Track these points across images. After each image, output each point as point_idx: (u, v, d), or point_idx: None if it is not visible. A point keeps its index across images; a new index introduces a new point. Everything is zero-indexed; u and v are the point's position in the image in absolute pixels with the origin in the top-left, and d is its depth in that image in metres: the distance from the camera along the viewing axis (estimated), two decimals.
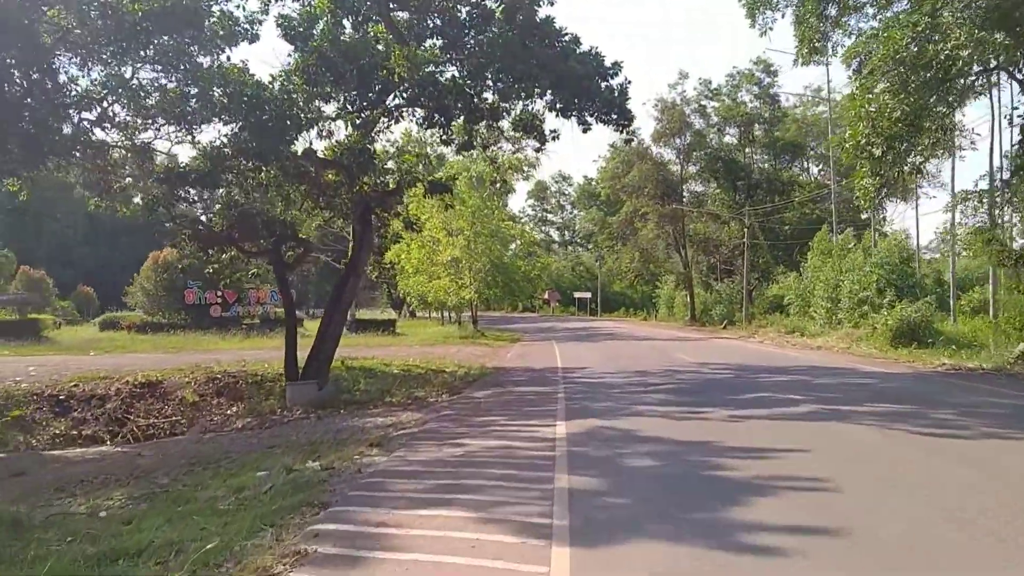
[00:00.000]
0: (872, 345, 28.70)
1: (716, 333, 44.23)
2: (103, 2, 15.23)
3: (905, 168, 21.15)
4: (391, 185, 20.84)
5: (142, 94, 16.91)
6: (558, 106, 19.42)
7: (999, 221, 22.56)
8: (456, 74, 19.09)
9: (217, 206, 21.88)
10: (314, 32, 17.69)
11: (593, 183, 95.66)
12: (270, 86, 17.47)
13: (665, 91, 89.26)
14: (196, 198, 22.47)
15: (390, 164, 20.01)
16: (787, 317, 43.24)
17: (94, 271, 67.40)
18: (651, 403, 13.61)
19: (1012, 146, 21.57)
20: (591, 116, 20.11)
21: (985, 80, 20.90)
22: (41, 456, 14.40)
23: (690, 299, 58.71)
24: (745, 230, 52.05)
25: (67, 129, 16.57)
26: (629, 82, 19.97)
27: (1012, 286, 20.83)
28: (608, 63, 19.69)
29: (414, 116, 20.16)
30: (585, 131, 19.81)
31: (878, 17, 22.34)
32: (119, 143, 18.52)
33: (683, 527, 6.06)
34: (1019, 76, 18.19)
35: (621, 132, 20.91)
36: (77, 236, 71.44)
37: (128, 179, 19.97)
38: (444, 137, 19.46)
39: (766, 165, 65.04)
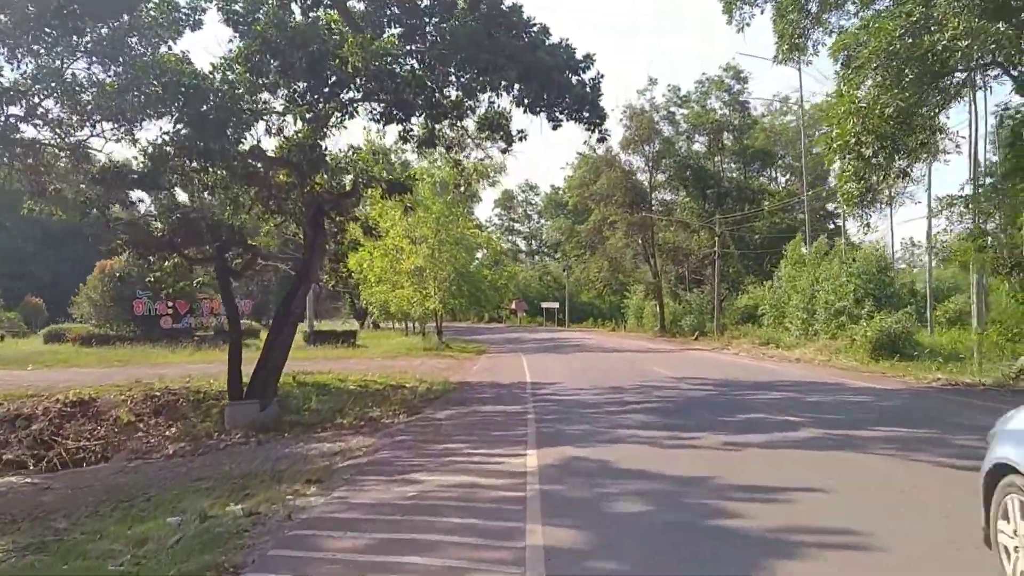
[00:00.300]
0: (852, 357, 27.62)
1: (688, 344, 43.04)
2: None
3: (892, 171, 20.04)
4: (347, 186, 19.26)
5: (76, 88, 15.36)
6: (526, 101, 18.02)
7: (985, 227, 21.49)
8: (416, 66, 17.60)
9: (153, 208, 20.19)
10: (259, 16, 16.12)
11: (560, 192, 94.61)
12: (210, 76, 15.91)
13: (634, 89, 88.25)
14: (135, 200, 20.82)
15: (345, 163, 18.35)
16: (760, 328, 42.20)
17: (48, 282, 64.53)
18: (632, 426, 12.15)
19: (1002, 148, 20.52)
20: (561, 113, 18.75)
21: (972, 79, 19.82)
22: None
23: (660, 309, 57.56)
24: (716, 239, 51.00)
25: None
26: (602, 76, 18.66)
27: (1011, 295, 19.74)
28: (579, 56, 18.38)
29: (372, 111, 18.64)
30: (555, 127, 18.44)
31: (859, 15, 21.29)
32: (51, 141, 16.89)
33: None
34: (1014, 72, 17.07)
35: (593, 131, 19.59)
36: (28, 246, 68.45)
37: (63, 182, 18.31)
38: (403, 132, 17.94)
39: (735, 174, 64.33)
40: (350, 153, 18.08)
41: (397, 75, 16.83)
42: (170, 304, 43.91)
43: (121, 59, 15.39)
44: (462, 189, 22.33)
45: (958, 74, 18.76)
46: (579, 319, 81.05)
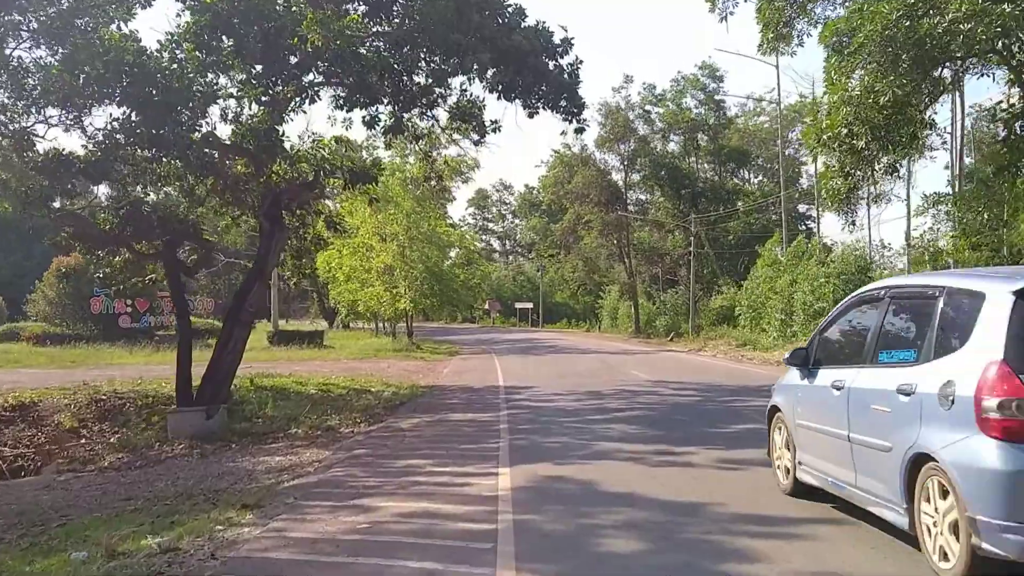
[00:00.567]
0: None
1: (664, 345, 42.10)
2: None
3: (880, 166, 19.16)
4: (309, 176, 17.97)
5: (22, 72, 14.13)
6: (500, 87, 16.88)
7: (976, 225, 20.70)
8: (381, 47, 16.38)
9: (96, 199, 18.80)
10: None
11: (535, 192, 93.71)
12: (157, 55, 14.64)
13: (609, 81, 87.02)
14: (80, 191, 19.46)
15: (304, 150, 17.05)
16: (736, 329, 41.39)
17: (10, 279, 62.12)
18: (614, 437, 11.01)
19: (995, 143, 19.68)
20: (537, 100, 17.65)
21: (963, 70, 18.96)
22: None
23: (634, 310, 56.65)
24: (691, 238, 50.16)
25: None
26: (580, 62, 17.59)
27: None
28: (557, 40, 17.26)
29: (335, 96, 17.41)
30: (531, 115, 17.36)
31: (846, 4, 20.41)
32: None
33: None
34: (1013, 62, 16.19)
35: (570, 121, 18.49)
36: None
37: (8, 171, 16.95)
38: (369, 118, 16.71)
39: (710, 174, 63.68)
40: (310, 140, 16.78)
41: (361, 57, 15.62)
42: (129, 302, 42.25)
43: (68, 41, 14.16)
44: (433, 183, 21.00)
45: (949, 67, 17.92)
46: (553, 319, 80.00)
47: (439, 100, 18.82)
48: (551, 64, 17.15)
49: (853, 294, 7.30)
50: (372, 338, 48.95)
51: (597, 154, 58.93)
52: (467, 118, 19.00)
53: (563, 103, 17.89)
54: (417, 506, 7.28)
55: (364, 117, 16.62)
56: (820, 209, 50.02)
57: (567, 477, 8.30)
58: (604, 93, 62.83)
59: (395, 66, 16.34)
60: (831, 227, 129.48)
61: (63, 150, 15.32)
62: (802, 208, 61.94)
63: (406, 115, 18.93)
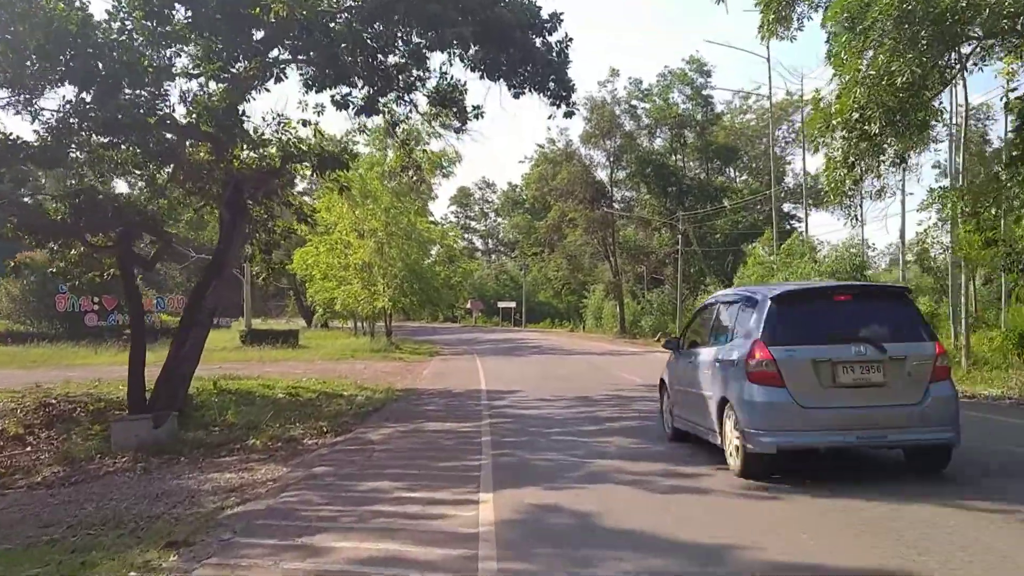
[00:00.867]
0: None
1: (651, 347, 40.80)
2: None
3: (885, 157, 17.97)
4: (275, 162, 16.54)
5: None
6: (484, 65, 15.52)
7: (991, 220, 19.51)
8: (352, 19, 14.97)
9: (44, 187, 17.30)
10: None
11: (518, 190, 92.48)
12: (104, 25, 13.24)
13: (594, 74, 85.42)
14: (29, 178, 18.00)
15: (268, 134, 15.59)
16: None
17: None
18: (612, 454, 9.65)
19: (1007, 133, 18.51)
20: (524, 82, 16.32)
21: (980, 50, 17.73)
22: None
23: (620, 309, 55.41)
24: (679, 236, 48.96)
25: None
26: (570, 40, 16.28)
27: None
28: (545, 15, 15.94)
29: (303, 74, 16.01)
30: (517, 96, 16.03)
31: None
32: None
33: None
34: None
35: (558, 106, 17.14)
36: None
37: None
38: (340, 97, 15.31)
39: (697, 172, 62.57)
40: (274, 121, 15.33)
41: (330, 29, 14.23)
42: (95, 300, 40.54)
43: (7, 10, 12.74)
44: (411, 174, 19.59)
45: (967, 46, 16.71)
46: (536, 319, 78.70)
47: (417, 83, 17.50)
48: (538, 41, 15.84)
49: (703, 302, 11.21)
50: (350, 338, 47.43)
51: (582, 150, 57.86)
52: (448, 103, 17.73)
53: (551, 85, 16.59)
54: (378, 548, 5.90)
55: (333, 96, 15.19)
56: (808, 207, 49.05)
57: (561, 507, 6.92)
58: (589, 87, 61.46)
59: (368, 41, 14.98)
60: (818, 226, 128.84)
61: (11, 134, 13.95)
62: (787, 207, 60.97)
63: (382, 99, 17.64)
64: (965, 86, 24.89)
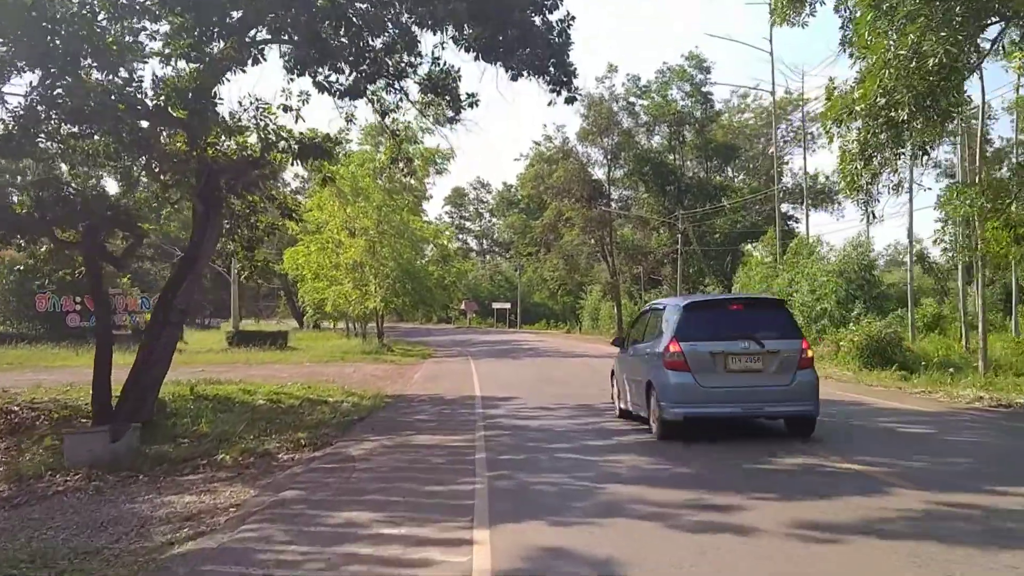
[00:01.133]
0: (844, 366, 24.40)
1: None
2: None
3: (907, 148, 16.84)
4: (255, 151, 15.31)
5: None
6: (480, 43, 14.29)
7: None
8: None
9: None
10: None
11: (513, 190, 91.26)
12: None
13: (592, 70, 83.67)
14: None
15: (245, 120, 14.31)
16: None
17: None
18: (626, 477, 8.38)
19: (1016, 132, 17.34)
20: (522, 64, 15.11)
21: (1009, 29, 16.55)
22: None
23: (617, 310, 54.19)
24: (679, 235, 47.74)
25: None
26: (572, 18, 15.07)
27: None
28: None
29: (284, 57, 14.81)
30: (514, 78, 14.79)
31: None
32: None
33: None
34: None
35: (559, 92, 15.93)
36: None
37: None
38: (323, 79, 14.10)
39: (696, 170, 61.38)
40: (252, 106, 14.09)
41: (312, 3, 13.02)
42: (77, 299, 39.16)
43: None
44: (402, 166, 18.39)
45: (993, 29, 15.57)
46: (531, 320, 77.33)
47: (408, 69, 16.33)
48: (538, 20, 14.63)
49: (642, 309, 15.37)
50: (341, 339, 46.14)
51: (579, 147, 56.58)
52: (440, 90, 16.54)
53: (551, 69, 15.39)
54: None
55: (316, 77, 13.96)
56: (808, 206, 47.99)
57: (572, 552, 5.66)
58: (587, 83, 60.13)
59: (353, 19, 13.77)
60: (817, 226, 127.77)
61: None
62: (784, 207, 59.82)
63: (371, 86, 16.48)
64: (982, 78, 23.78)
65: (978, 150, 22.97)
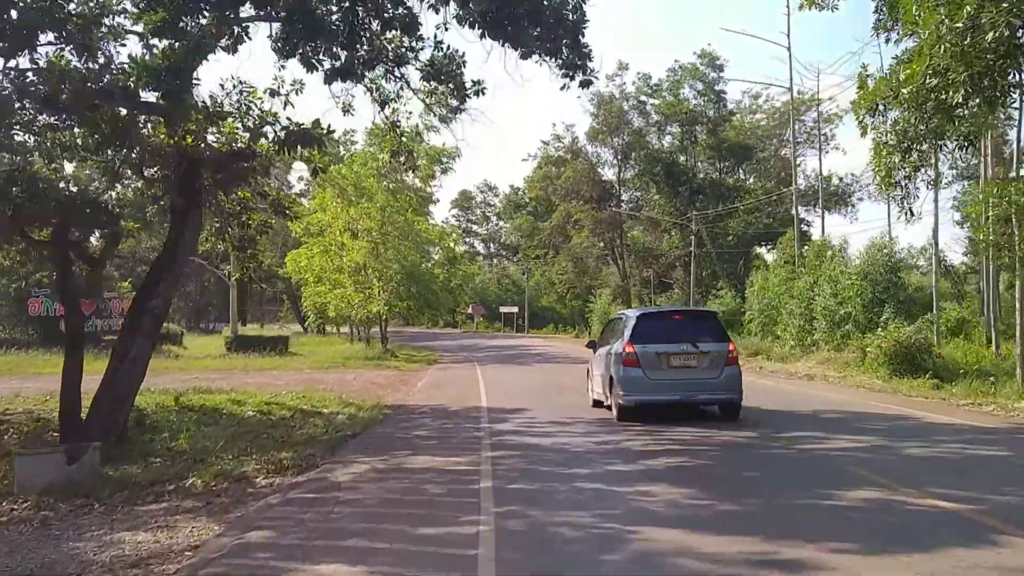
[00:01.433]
0: (873, 374, 22.95)
1: None
2: None
3: (949, 137, 15.51)
4: (241, 141, 13.98)
5: None
6: (486, 18, 12.93)
7: None
8: None
9: None
10: None
11: (520, 193, 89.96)
12: None
13: (602, 68, 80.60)
14: None
15: (228, 106, 12.92)
16: (743, 336, 37.58)
17: None
18: (663, 517, 6.85)
19: None
20: (532, 44, 13.76)
21: None
22: None
23: None
24: (692, 236, 46.23)
25: None
26: None
27: None
28: None
29: (273, 37, 13.48)
30: (524, 57, 13.44)
31: None
32: None
33: None
34: None
35: (572, 77, 14.57)
36: None
37: None
38: (311, 55, 12.73)
39: (709, 171, 59.89)
40: (235, 89, 12.73)
41: None
42: None
43: None
44: (402, 160, 17.05)
45: None
46: (539, 325, 75.78)
47: (408, 53, 15.01)
48: None
49: (611, 317, 21.80)
50: (345, 344, 44.83)
51: (589, 147, 55.19)
52: (444, 77, 15.22)
53: (564, 49, 14.03)
54: None
55: (302, 53, 12.59)
56: (823, 208, 46.55)
57: None
58: (597, 82, 58.76)
59: None
60: (830, 227, 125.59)
61: None
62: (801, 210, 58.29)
63: (369, 74, 15.18)
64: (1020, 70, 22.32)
65: (1018, 142, 21.49)
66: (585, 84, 14.40)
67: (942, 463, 9.60)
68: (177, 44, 11.77)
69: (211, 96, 12.89)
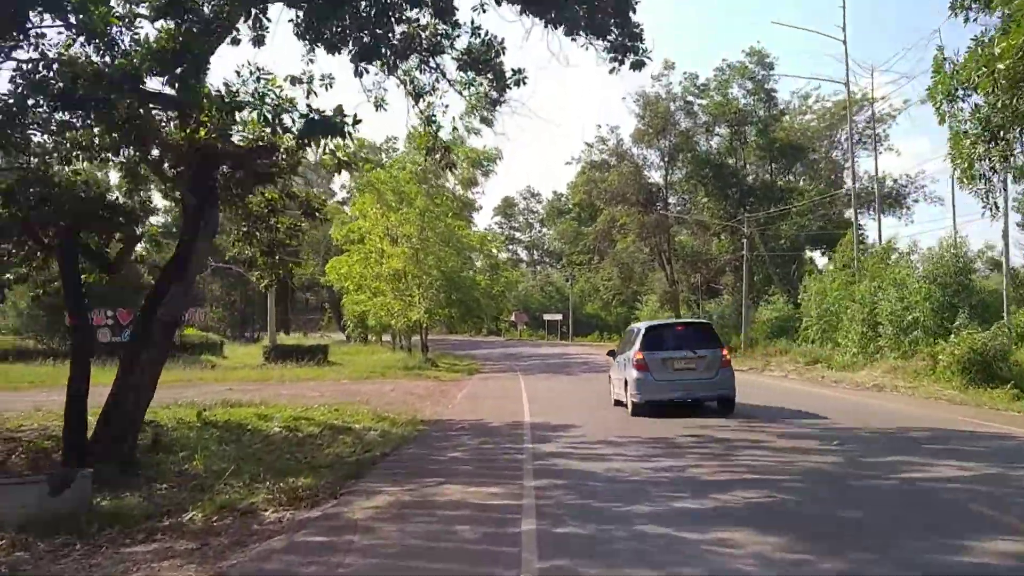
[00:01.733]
0: (947, 383, 21.11)
1: None
2: None
3: None
4: (258, 132, 12.79)
5: None
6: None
7: None
8: None
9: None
10: None
11: (563, 199, 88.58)
12: None
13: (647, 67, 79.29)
14: None
15: (243, 95, 11.74)
16: (799, 343, 35.69)
17: None
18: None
19: None
20: (578, 22, 12.45)
21: None
22: None
23: None
24: (744, 240, 44.30)
25: None
26: None
27: None
28: None
29: (294, 22, 12.36)
30: (571, 37, 12.15)
31: None
32: None
33: None
34: None
35: (621, 61, 13.23)
36: None
37: None
38: (332, 37, 11.54)
39: (757, 174, 57.84)
40: (252, 76, 11.54)
41: None
42: (109, 313, 37.50)
43: None
44: (438, 157, 15.78)
45: None
46: (584, 332, 74.11)
47: (444, 41, 13.85)
48: None
49: (628, 329, 23.65)
50: (386, 353, 43.81)
51: (634, 149, 53.54)
52: (482, 67, 14.04)
53: (612, 27, 12.69)
54: None
55: (324, 35, 11.38)
56: (879, 209, 44.32)
57: None
58: (642, 81, 56.94)
59: None
60: (888, 229, 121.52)
61: None
62: (848, 213, 55.94)
63: (402, 64, 14.04)
64: None
65: None
66: (637, 66, 13.00)
67: None
68: (183, 24, 10.74)
69: (225, 84, 11.72)
